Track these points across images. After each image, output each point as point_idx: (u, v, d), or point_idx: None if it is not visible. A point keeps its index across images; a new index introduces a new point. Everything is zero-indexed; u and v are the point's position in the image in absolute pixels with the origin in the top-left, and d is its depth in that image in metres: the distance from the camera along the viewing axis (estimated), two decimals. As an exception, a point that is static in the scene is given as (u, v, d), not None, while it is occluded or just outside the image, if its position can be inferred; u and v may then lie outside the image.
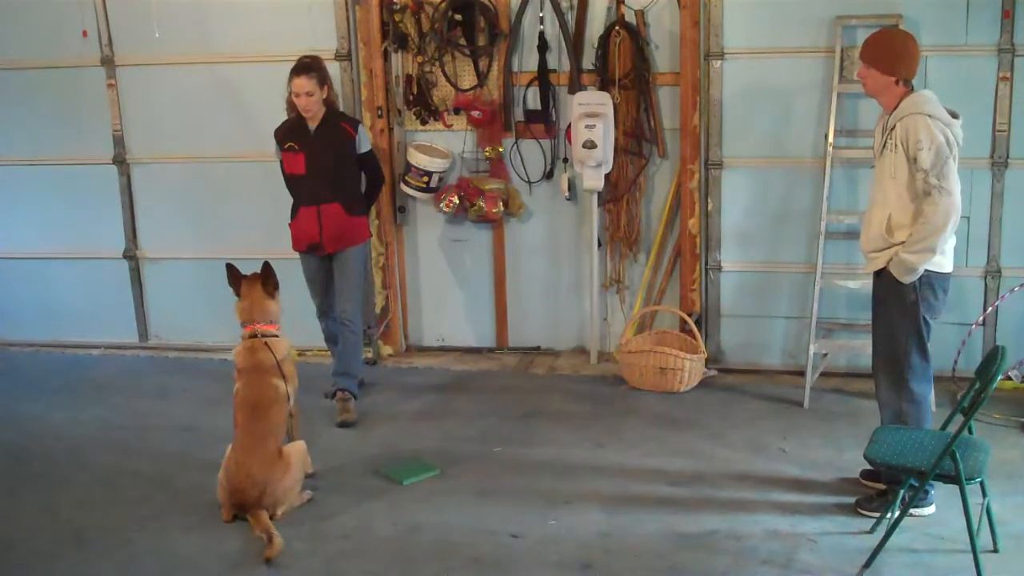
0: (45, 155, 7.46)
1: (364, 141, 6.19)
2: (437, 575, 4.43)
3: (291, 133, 6.05)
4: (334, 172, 6.05)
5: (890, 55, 4.61)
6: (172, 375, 7.14)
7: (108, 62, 7.20)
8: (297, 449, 5.03)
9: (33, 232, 7.63)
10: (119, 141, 7.34)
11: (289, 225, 6.20)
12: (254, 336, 5.15)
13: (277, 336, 5.22)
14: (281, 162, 6.15)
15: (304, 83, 5.86)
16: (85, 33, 7.16)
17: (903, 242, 4.55)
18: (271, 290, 5.26)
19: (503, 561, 4.51)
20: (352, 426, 6.01)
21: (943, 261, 4.59)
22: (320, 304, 6.34)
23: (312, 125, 6.01)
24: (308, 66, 5.91)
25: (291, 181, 6.15)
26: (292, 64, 5.92)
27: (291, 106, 6.02)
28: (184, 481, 5.33)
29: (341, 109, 6.42)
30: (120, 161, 7.36)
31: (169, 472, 5.43)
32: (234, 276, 5.29)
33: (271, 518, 4.75)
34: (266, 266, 5.29)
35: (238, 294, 5.26)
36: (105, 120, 7.31)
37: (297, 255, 6.24)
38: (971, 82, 6.03)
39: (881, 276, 4.71)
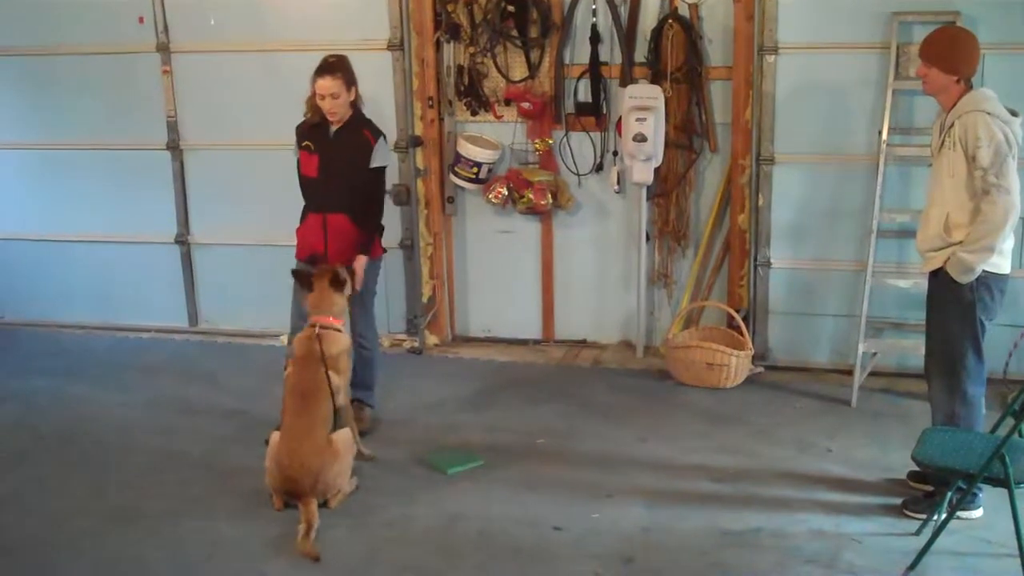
0: (100, 140, 7.53)
1: (380, 155, 5.63)
2: (478, 565, 4.45)
3: (311, 132, 5.63)
4: (346, 180, 5.55)
5: (953, 54, 4.55)
6: (221, 360, 7.19)
7: (164, 49, 7.26)
8: (344, 437, 5.02)
9: (87, 216, 7.72)
10: (173, 127, 7.41)
11: (296, 231, 5.80)
12: (314, 327, 5.21)
13: (339, 331, 5.27)
14: (298, 162, 5.74)
15: (329, 84, 5.43)
16: (141, 19, 7.23)
17: (960, 242, 4.50)
18: (339, 285, 5.30)
19: (545, 553, 4.52)
20: (365, 435, 5.62)
21: (1001, 262, 4.54)
22: (296, 327, 5.63)
23: (334, 127, 5.58)
24: (333, 66, 5.47)
25: (303, 184, 5.72)
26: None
27: (311, 107, 5.58)
28: (230, 465, 5.39)
29: (367, 115, 5.75)
30: (174, 147, 7.43)
31: (216, 456, 5.48)
32: (303, 277, 5.36)
33: (326, 506, 4.80)
34: (335, 267, 5.35)
35: (310, 289, 5.31)
36: (159, 106, 7.38)
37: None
38: (1029, 81, 5.95)
39: (937, 276, 4.65)
